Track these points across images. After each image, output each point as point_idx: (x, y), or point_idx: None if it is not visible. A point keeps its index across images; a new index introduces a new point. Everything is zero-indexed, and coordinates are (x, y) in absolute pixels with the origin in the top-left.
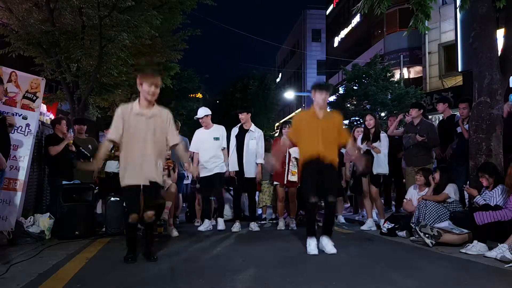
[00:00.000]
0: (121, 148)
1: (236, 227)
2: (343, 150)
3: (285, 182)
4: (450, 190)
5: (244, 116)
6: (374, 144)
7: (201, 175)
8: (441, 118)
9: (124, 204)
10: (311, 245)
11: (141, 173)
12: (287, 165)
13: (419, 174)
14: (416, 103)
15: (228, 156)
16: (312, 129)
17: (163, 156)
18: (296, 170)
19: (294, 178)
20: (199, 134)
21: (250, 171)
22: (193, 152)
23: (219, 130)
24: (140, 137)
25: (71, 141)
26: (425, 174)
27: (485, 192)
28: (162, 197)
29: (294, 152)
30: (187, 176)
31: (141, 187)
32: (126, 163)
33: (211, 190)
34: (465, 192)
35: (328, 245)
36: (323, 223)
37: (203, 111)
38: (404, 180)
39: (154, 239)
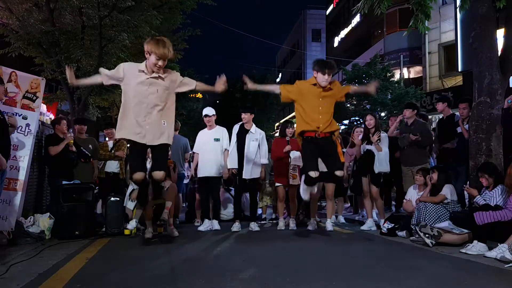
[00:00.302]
0: (121, 106)
1: (236, 227)
2: (343, 150)
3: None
4: (447, 191)
5: (247, 117)
6: (375, 137)
7: (199, 175)
8: (441, 117)
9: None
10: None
11: (142, 129)
12: (289, 168)
13: (419, 174)
14: (409, 103)
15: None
16: (313, 102)
17: (168, 118)
18: (297, 174)
19: (295, 182)
20: (201, 135)
21: (250, 172)
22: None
23: (220, 131)
24: (141, 94)
25: (71, 141)
26: (425, 174)
27: (485, 192)
28: (162, 197)
29: (295, 159)
30: (187, 176)
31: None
32: (125, 118)
33: (209, 191)
34: (465, 192)
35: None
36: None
37: (212, 110)
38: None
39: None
